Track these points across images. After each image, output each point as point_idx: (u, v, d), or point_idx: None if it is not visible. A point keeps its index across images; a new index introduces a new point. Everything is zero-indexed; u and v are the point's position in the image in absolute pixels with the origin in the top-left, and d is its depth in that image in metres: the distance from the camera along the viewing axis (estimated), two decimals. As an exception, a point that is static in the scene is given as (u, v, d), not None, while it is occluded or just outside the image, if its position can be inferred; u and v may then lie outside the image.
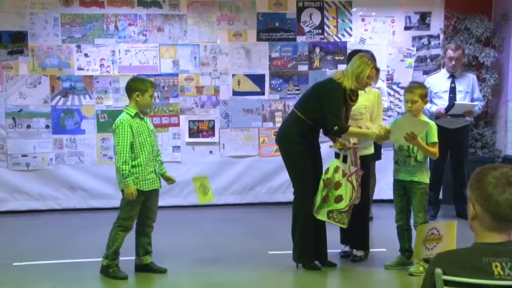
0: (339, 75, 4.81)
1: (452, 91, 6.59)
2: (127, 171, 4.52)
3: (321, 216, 4.76)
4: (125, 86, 4.79)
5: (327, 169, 4.78)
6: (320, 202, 4.73)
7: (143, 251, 4.81)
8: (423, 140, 4.70)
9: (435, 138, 4.75)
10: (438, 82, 6.68)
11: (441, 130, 6.55)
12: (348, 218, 4.71)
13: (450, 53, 6.64)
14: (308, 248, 4.87)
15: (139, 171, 4.60)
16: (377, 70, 4.80)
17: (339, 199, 4.70)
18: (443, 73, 6.73)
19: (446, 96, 6.57)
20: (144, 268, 4.81)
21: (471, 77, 6.74)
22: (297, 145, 4.82)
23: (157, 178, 4.78)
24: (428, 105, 6.59)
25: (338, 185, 4.71)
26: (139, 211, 4.70)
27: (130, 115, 4.63)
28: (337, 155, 5.07)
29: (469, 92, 6.63)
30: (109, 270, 4.67)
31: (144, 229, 4.80)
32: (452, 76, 6.65)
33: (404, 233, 4.90)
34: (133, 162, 4.58)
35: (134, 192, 4.54)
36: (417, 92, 4.78)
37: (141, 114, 4.71)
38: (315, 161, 4.90)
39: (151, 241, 4.85)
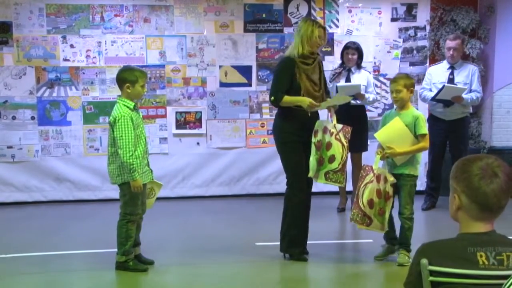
0: (289, 48, 4.92)
1: (450, 82, 6.56)
2: (135, 165, 4.43)
3: (320, 179, 4.79)
4: (116, 77, 4.68)
5: (316, 131, 4.77)
6: (316, 166, 4.74)
7: (134, 243, 4.76)
8: (411, 131, 4.72)
9: (423, 130, 4.73)
10: (438, 73, 6.68)
11: (437, 121, 6.63)
12: (343, 177, 4.80)
13: (448, 43, 6.64)
14: (297, 239, 4.89)
15: (138, 164, 4.50)
16: (324, 28, 4.87)
17: (332, 159, 4.74)
18: (444, 64, 6.71)
19: None
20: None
21: (471, 69, 6.68)
22: (288, 135, 4.84)
23: (150, 170, 4.74)
24: (426, 93, 6.64)
25: (329, 145, 4.74)
26: None
27: (129, 107, 4.51)
28: None
29: (467, 83, 6.57)
30: (128, 264, 4.62)
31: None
32: (452, 67, 6.63)
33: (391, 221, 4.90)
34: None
35: (141, 185, 4.50)
36: (401, 82, 4.80)
37: (136, 105, 4.64)
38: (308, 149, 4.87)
39: (139, 233, 4.84)
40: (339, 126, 4.77)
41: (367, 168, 4.73)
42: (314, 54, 4.85)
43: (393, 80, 4.88)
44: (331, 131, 4.74)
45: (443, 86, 6.39)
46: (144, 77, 4.62)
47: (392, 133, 4.74)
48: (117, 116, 4.46)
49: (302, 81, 4.77)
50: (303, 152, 4.83)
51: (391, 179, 4.65)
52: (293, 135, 4.83)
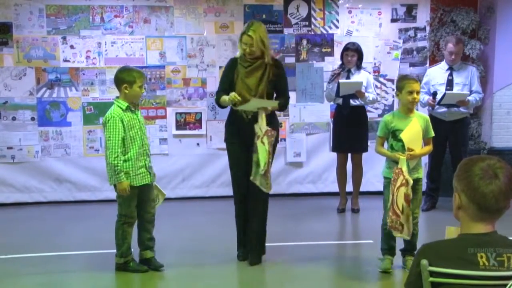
0: None
1: (449, 83, 6.54)
2: (119, 167, 4.40)
3: (257, 182, 4.70)
4: (113, 78, 4.66)
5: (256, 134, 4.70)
6: (255, 168, 4.68)
7: (143, 247, 4.73)
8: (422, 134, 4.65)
9: (433, 133, 4.72)
10: (437, 74, 6.66)
11: (437, 122, 6.61)
12: (268, 183, 4.68)
13: (450, 46, 6.57)
14: (237, 240, 5.05)
15: (130, 166, 4.48)
16: (248, 36, 4.63)
17: (257, 163, 4.65)
18: (442, 66, 6.69)
19: (443, 89, 6.50)
20: (143, 262, 4.73)
21: (471, 70, 6.66)
22: (230, 136, 4.92)
23: (148, 173, 4.64)
24: (421, 96, 6.63)
25: (255, 149, 4.65)
26: (137, 206, 4.64)
27: (121, 108, 4.48)
28: None
29: (467, 84, 6.55)
30: (128, 265, 4.63)
31: (144, 225, 4.70)
32: (451, 69, 6.61)
33: (390, 231, 4.59)
34: (123, 157, 4.46)
35: (127, 188, 4.45)
36: (419, 83, 4.72)
37: (133, 106, 4.57)
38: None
39: (152, 236, 4.75)
40: (264, 129, 4.61)
41: (397, 171, 4.43)
42: (254, 59, 4.72)
43: (410, 81, 4.60)
44: (258, 134, 4.63)
45: (445, 94, 6.38)
46: (142, 77, 4.58)
47: (413, 134, 4.58)
48: (107, 117, 4.47)
49: (237, 82, 4.77)
50: (246, 154, 4.77)
51: (411, 181, 4.41)
52: (233, 138, 4.88)
